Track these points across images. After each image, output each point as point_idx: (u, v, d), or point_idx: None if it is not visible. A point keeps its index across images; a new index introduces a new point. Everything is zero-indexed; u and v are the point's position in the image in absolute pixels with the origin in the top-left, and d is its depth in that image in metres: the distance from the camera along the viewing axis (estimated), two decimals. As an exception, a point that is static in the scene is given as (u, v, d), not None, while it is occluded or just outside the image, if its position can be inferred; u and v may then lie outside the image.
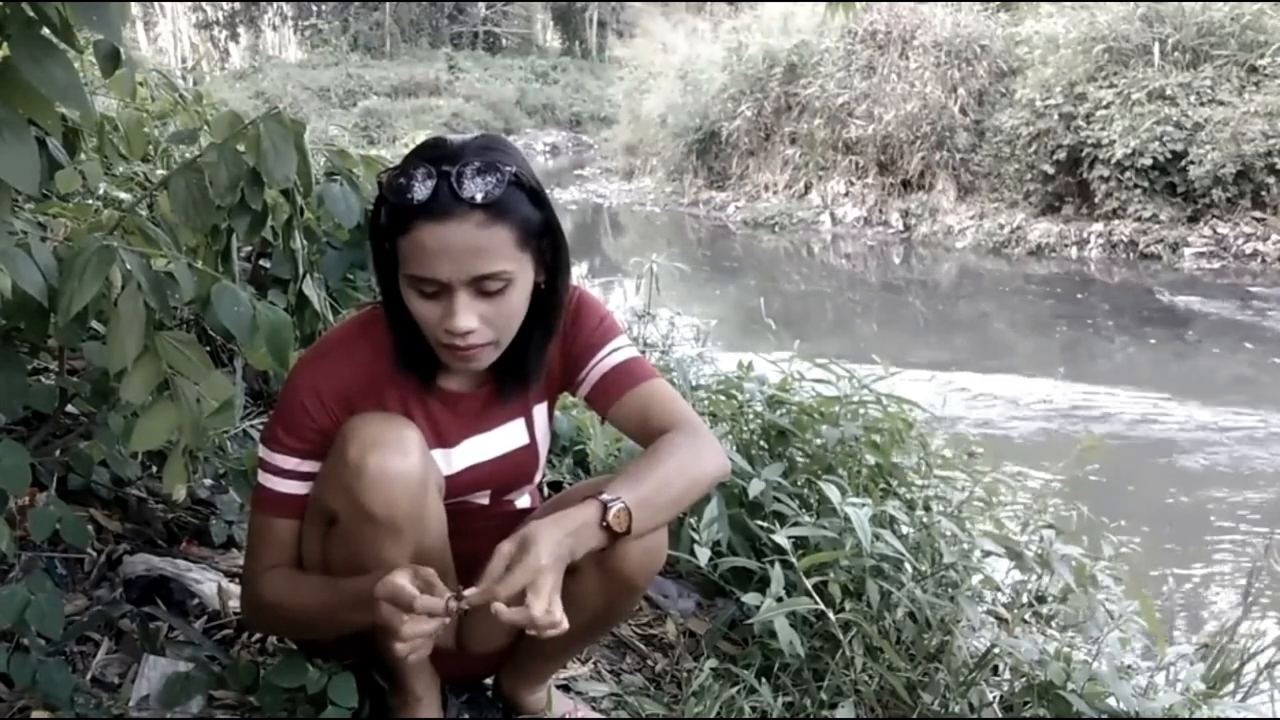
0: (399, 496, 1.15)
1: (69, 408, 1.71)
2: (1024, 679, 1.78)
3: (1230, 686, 2.07)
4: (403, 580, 1.05)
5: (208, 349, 1.43)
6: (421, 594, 1.04)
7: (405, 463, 1.16)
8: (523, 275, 1.15)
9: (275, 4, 32.99)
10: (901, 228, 13.19)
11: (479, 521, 1.35)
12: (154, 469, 1.92)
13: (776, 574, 1.73)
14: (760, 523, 1.93)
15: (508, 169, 1.10)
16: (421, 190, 1.08)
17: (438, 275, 1.10)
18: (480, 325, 1.14)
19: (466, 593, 1.05)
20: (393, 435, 1.16)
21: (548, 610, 1.01)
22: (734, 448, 2.18)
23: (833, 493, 1.79)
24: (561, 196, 17.26)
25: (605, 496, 1.12)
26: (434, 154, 1.11)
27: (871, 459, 2.12)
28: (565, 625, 1.03)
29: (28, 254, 1.16)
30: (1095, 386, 6.94)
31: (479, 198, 1.08)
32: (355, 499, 1.15)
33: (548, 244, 1.19)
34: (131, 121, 2.02)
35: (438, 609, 1.04)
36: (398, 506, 1.15)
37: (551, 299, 1.24)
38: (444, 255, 1.09)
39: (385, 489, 1.14)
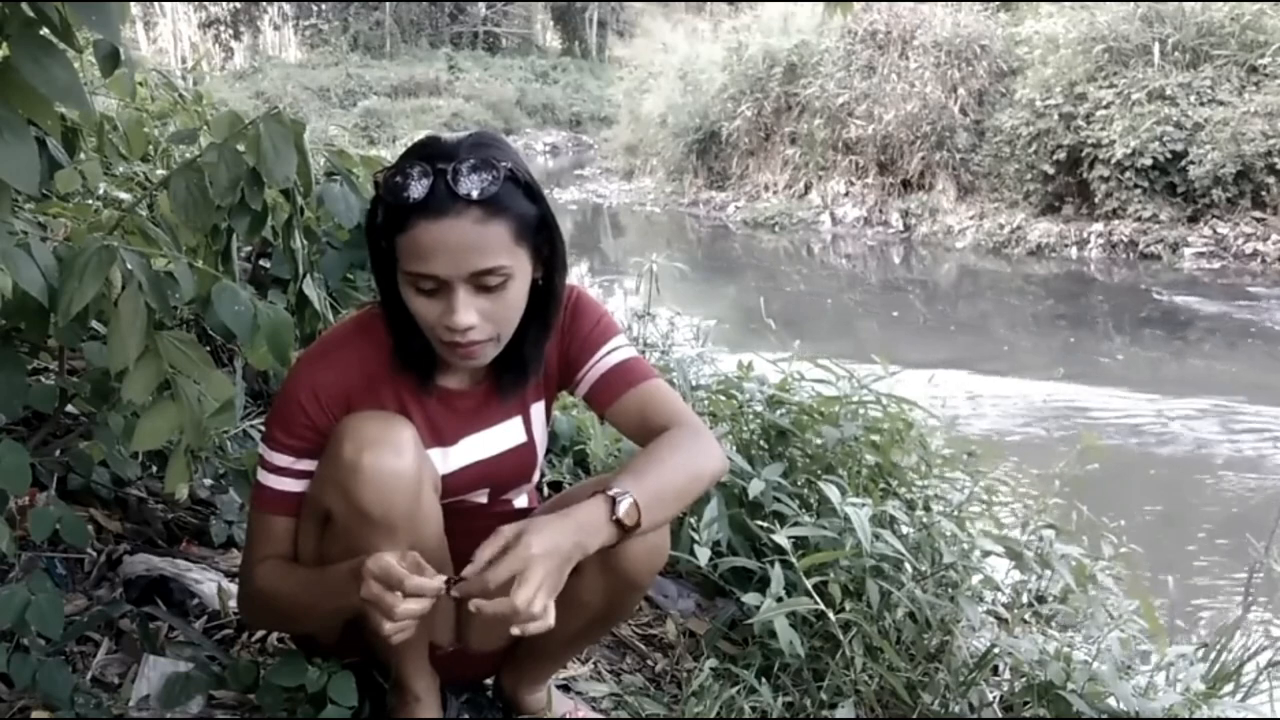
0: (394, 496, 1.15)
1: (69, 408, 1.71)
2: (1024, 679, 1.78)
3: (1230, 686, 2.07)
4: (392, 559, 1.06)
5: (208, 349, 1.43)
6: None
7: (400, 462, 1.16)
8: (520, 270, 1.16)
9: (276, 4, 32.97)
10: (901, 228, 13.18)
11: (477, 521, 1.34)
12: (154, 469, 1.93)
13: (776, 574, 1.73)
14: (760, 523, 1.93)
15: (502, 165, 1.11)
16: (418, 188, 1.09)
17: (436, 272, 1.11)
18: (480, 321, 1.14)
19: (458, 582, 1.05)
20: (388, 434, 1.17)
21: (530, 601, 1.00)
22: (734, 448, 2.18)
23: (833, 493, 1.78)
24: (561, 196, 17.24)
25: (613, 492, 1.12)
26: (429, 152, 1.12)
27: (871, 459, 2.12)
28: (550, 622, 1.02)
29: (28, 254, 1.16)
30: (1095, 386, 6.93)
31: (475, 194, 1.09)
32: (350, 498, 1.15)
33: (544, 239, 1.19)
34: (131, 121, 2.02)
35: (428, 589, 1.04)
36: (393, 506, 1.16)
37: (548, 295, 1.25)
38: (442, 252, 1.09)
39: (380, 488, 1.14)
